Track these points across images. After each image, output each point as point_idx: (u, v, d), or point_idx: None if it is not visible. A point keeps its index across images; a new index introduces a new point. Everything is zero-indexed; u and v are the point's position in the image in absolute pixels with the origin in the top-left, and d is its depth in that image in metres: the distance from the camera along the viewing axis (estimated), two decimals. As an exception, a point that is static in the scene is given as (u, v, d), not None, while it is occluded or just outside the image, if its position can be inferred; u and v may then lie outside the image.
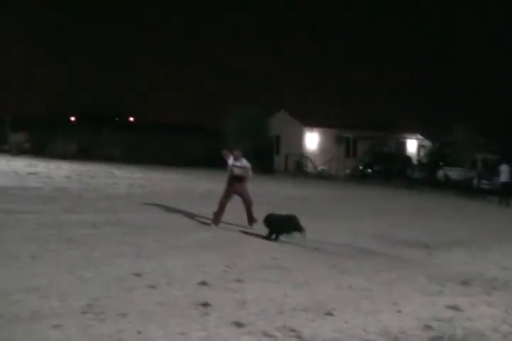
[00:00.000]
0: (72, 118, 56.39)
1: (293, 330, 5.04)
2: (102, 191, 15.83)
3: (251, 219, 11.01)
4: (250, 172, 11.15)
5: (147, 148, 34.16)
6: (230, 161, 11.09)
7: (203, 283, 6.39)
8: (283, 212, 10.29)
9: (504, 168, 21.30)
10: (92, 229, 9.46)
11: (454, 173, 28.45)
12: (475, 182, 26.43)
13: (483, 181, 25.66)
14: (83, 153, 32.99)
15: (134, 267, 6.89)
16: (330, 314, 5.62)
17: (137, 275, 6.52)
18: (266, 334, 4.88)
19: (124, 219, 10.89)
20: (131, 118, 61.90)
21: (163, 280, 6.38)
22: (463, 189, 26.06)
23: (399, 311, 5.93)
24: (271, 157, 33.65)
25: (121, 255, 7.60)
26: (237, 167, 11.01)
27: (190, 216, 11.96)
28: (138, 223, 10.51)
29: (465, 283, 7.51)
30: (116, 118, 58.39)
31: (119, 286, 6.02)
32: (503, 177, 21.17)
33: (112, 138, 34.70)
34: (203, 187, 19.36)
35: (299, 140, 36.22)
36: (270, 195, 17.71)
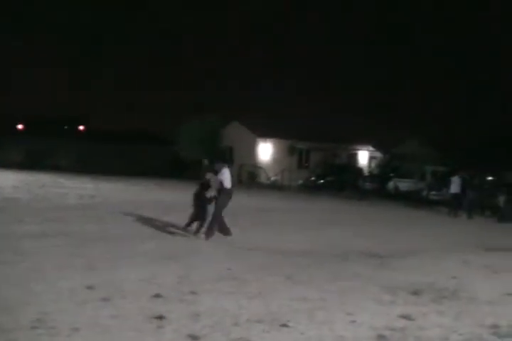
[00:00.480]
0: (20, 126, 54.95)
1: (248, 342, 5.03)
2: (52, 201, 15.53)
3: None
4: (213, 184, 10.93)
5: (98, 157, 33.69)
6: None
7: (157, 296, 6.31)
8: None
9: (455, 179, 21.75)
10: (42, 240, 9.26)
11: (404, 184, 28.97)
12: (424, 193, 26.97)
13: (433, 192, 26.20)
14: (31, 162, 32.35)
15: (86, 279, 6.76)
16: (285, 325, 5.62)
17: (89, 287, 6.40)
18: (221, 347, 4.85)
19: (74, 229, 10.69)
20: (81, 127, 60.67)
21: (116, 293, 6.27)
22: (413, 200, 26.58)
23: (353, 321, 5.97)
24: (224, 167, 33.61)
25: (73, 267, 7.46)
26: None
27: (143, 226, 11.83)
28: (89, 234, 10.33)
29: (416, 292, 7.61)
30: (66, 126, 57.17)
31: (70, 299, 5.89)
32: (454, 188, 21.62)
33: (61, 146, 34.12)
34: (155, 197, 19.21)
35: (252, 150, 36.30)
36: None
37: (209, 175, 11.02)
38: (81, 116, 59.82)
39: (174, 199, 18.90)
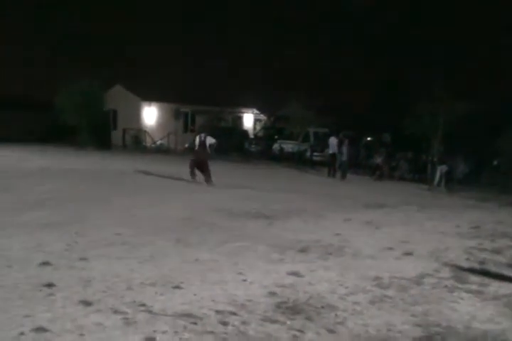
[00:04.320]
0: None
1: (142, 305, 5.03)
2: None
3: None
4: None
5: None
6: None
7: (45, 263, 6.14)
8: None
9: (332, 141, 22.58)
10: None
11: (289, 146, 29.63)
12: (308, 154, 27.76)
13: (315, 153, 27.01)
14: None
15: (-33, 250, 6.45)
16: (178, 287, 5.67)
17: (-29, 258, 6.11)
18: (115, 311, 4.82)
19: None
20: None
21: (1, 262, 6.04)
22: (297, 161, 27.30)
23: (244, 280, 6.13)
24: (108, 132, 32.69)
25: (-50, 238, 7.06)
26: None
27: (21, 194, 11.34)
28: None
29: (303, 250, 7.92)
30: None
31: (-50, 271, 5.60)
32: (331, 149, 22.48)
33: None
34: (34, 163, 18.44)
35: (137, 114, 35.55)
36: (100, 170, 17.35)
37: None
38: None
39: (58, 165, 18.29)
